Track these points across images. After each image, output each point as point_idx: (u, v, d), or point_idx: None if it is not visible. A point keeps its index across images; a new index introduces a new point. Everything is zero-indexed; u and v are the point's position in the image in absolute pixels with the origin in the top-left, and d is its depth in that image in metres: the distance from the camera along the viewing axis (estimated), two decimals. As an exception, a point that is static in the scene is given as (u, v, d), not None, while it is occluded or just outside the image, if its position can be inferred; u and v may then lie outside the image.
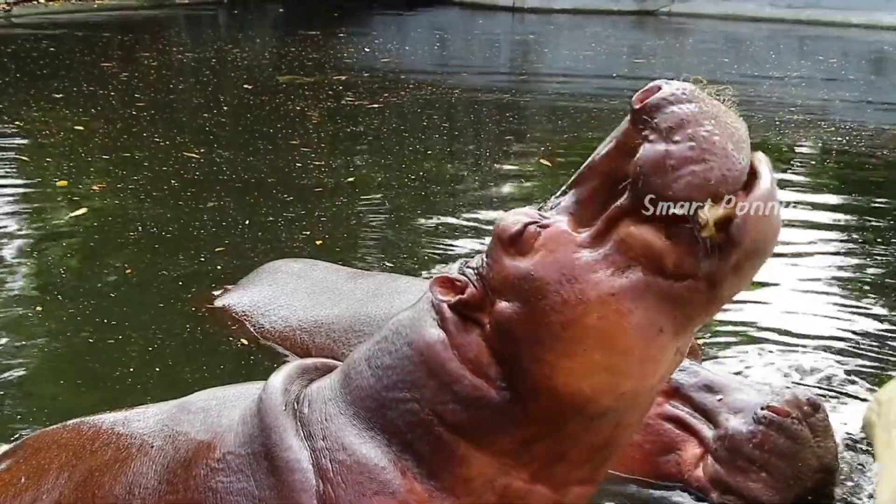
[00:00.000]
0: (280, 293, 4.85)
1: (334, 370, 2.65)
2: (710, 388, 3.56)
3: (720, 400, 3.53)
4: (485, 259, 2.34)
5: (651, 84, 2.14)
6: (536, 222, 2.25)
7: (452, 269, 2.44)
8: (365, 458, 2.37)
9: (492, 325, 2.29)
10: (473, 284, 2.33)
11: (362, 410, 2.43)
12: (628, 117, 2.15)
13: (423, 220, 6.87)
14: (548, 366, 2.22)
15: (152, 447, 2.74)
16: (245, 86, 12.19)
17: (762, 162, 2.11)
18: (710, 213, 2.03)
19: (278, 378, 2.62)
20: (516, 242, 2.25)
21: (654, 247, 2.11)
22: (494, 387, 2.29)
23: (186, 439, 2.68)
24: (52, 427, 3.22)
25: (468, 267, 2.38)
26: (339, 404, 2.47)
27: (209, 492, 2.51)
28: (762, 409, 3.39)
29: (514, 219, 2.28)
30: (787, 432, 3.35)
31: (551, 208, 2.30)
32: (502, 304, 2.27)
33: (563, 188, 2.30)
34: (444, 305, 2.36)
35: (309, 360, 2.83)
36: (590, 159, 2.24)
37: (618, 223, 2.15)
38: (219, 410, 2.71)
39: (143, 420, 2.89)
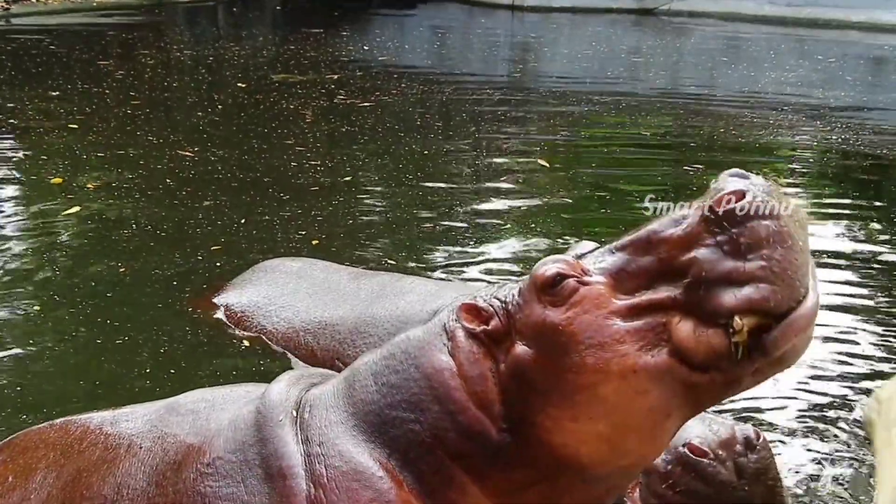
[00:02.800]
0: (281, 293, 4.79)
1: (335, 377, 2.65)
2: None
3: None
4: (516, 296, 2.32)
5: (734, 185, 2.11)
6: (577, 276, 2.22)
7: (480, 294, 2.43)
8: (362, 466, 2.36)
9: (507, 363, 2.28)
10: (499, 317, 2.32)
11: (363, 423, 2.43)
12: (702, 211, 2.12)
13: (420, 220, 6.83)
14: (551, 421, 2.22)
15: (141, 448, 2.73)
16: (239, 84, 12.14)
17: (814, 286, 2.11)
18: (746, 320, 2.04)
19: (277, 387, 2.62)
20: (551, 291, 2.23)
21: (688, 341, 2.10)
22: (496, 425, 2.29)
23: (175, 441, 2.67)
24: (39, 426, 3.21)
25: (496, 297, 2.37)
26: (339, 413, 2.47)
27: (198, 496, 2.51)
28: (682, 446, 3.13)
29: (552, 266, 2.25)
30: (700, 474, 3.12)
31: (595, 264, 2.26)
32: (522, 348, 2.26)
33: (611, 247, 2.27)
34: (458, 333, 2.35)
35: (307, 370, 2.85)
36: (647, 232, 2.21)
37: (661, 309, 2.14)
38: (207, 413, 2.71)
39: (132, 420, 2.88)
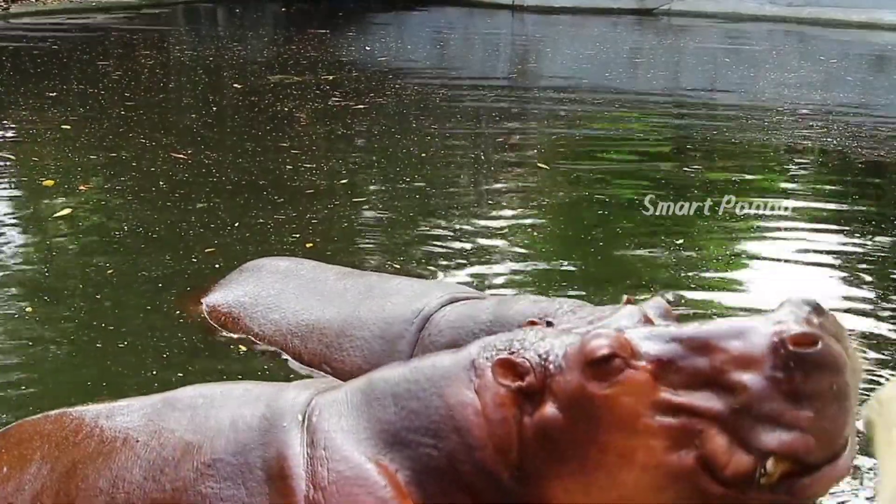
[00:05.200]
0: (268, 294, 4.75)
1: (346, 385, 2.68)
2: None
3: None
4: (559, 358, 2.32)
5: (807, 327, 2.11)
6: (625, 358, 2.22)
7: (514, 339, 2.42)
8: (367, 473, 2.36)
9: (533, 420, 2.30)
10: (535, 374, 2.32)
11: (376, 438, 2.44)
12: (770, 340, 2.12)
13: (417, 223, 6.77)
14: (563, 489, 2.24)
15: (137, 442, 2.73)
16: (236, 85, 12.08)
17: (852, 444, 2.18)
18: (778, 466, 2.11)
19: (285, 394, 2.64)
20: (599, 367, 2.23)
21: (720, 457, 2.13)
22: (508, 471, 2.31)
23: (173, 437, 2.67)
24: (33, 417, 3.19)
25: (536, 353, 2.36)
26: (351, 423, 2.48)
27: (198, 496, 2.53)
28: None
29: (604, 344, 2.24)
30: None
31: (646, 348, 2.25)
32: (553, 410, 2.27)
33: (667, 334, 2.26)
34: (487, 373, 2.37)
35: (315, 380, 2.94)
36: (706, 333, 2.21)
37: (701, 417, 2.16)
38: (206, 411, 2.71)
39: (128, 414, 2.87)
